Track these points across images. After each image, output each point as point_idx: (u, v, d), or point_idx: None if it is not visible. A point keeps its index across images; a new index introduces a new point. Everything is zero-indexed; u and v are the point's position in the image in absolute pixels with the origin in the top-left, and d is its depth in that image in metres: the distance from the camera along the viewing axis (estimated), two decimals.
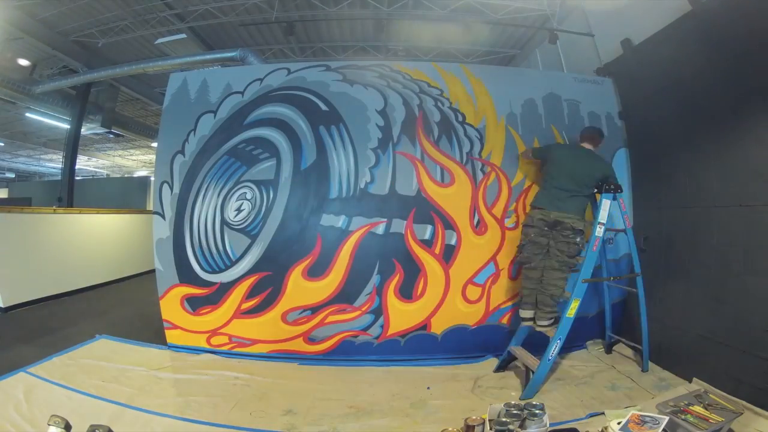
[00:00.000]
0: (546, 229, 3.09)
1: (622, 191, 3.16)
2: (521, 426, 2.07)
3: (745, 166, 2.63)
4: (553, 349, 2.81)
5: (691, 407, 2.09)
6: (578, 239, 3.02)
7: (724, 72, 2.76)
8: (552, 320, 3.01)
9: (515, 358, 3.12)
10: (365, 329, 3.46)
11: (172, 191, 3.55)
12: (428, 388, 2.93)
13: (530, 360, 2.91)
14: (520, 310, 3.19)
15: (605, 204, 3.04)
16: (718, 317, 2.76)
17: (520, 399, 2.72)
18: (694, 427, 1.93)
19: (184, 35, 6.72)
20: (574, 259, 3.03)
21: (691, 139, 3.09)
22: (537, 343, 3.07)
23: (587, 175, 3.12)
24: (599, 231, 2.97)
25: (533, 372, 2.81)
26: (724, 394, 2.36)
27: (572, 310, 2.84)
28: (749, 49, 2.57)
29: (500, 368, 3.22)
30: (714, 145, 2.87)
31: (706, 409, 2.09)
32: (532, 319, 3.12)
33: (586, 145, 3.29)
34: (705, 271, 2.91)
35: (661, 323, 3.25)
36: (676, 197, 3.24)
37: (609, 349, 3.52)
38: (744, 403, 2.26)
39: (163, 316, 3.53)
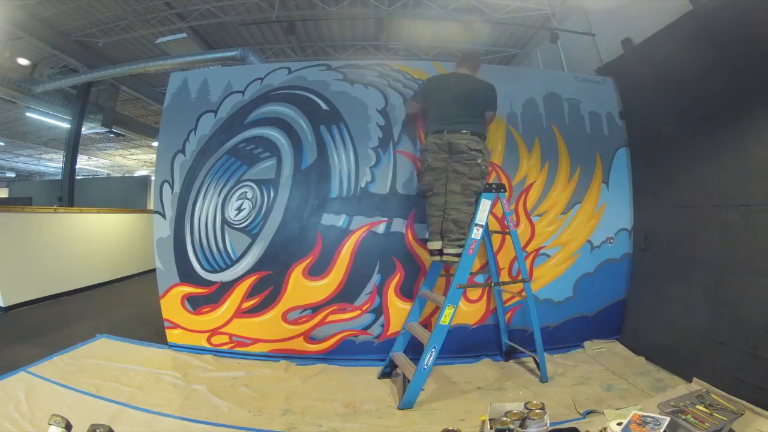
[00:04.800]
0: (442, 153, 2.95)
1: (504, 191, 3.06)
2: (521, 425, 2.07)
3: (746, 166, 2.63)
4: (428, 357, 2.62)
5: (692, 407, 2.09)
6: (479, 160, 2.87)
7: (725, 71, 2.76)
8: (460, 249, 2.83)
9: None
10: (366, 328, 3.46)
11: (172, 190, 3.55)
12: (423, 389, 2.88)
13: (409, 369, 2.74)
14: (428, 242, 3.06)
15: (484, 204, 2.87)
16: (718, 317, 2.76)
17: (397, 408, 2.59)
18: (695, 428, 1.93)
19: (184, 34, 6.73)
20: (477, 181, 2.88)
21: (691, 139, 3.08)
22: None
23: (472, 98, 3.02)
24: (476, 233, 2.80)
25: (409, 381, 2.65)
26: (725, 394, 2.36)
27: (446, 317, 2.67)
28: (750, 48, 2.56)
29: (384, 375, 3.06)
30: (714, 145, 2.87)
31: (708, 409, 2.08)
32: (440, 250, 2.96)
33: (463, 71, 3.19)
34: (705, 271, 2.91)
35: (661, 323, 3.25)
36: (676, 197, 3.24)
37: (507, 357, 3.37)
38: (744, 403, 2.26)
39: (164, 316, 3.53)
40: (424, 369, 2.64)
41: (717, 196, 2.85)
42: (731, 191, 2.74)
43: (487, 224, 2.94)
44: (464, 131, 2.91)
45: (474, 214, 2.88)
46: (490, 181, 3.04)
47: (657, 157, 3.45)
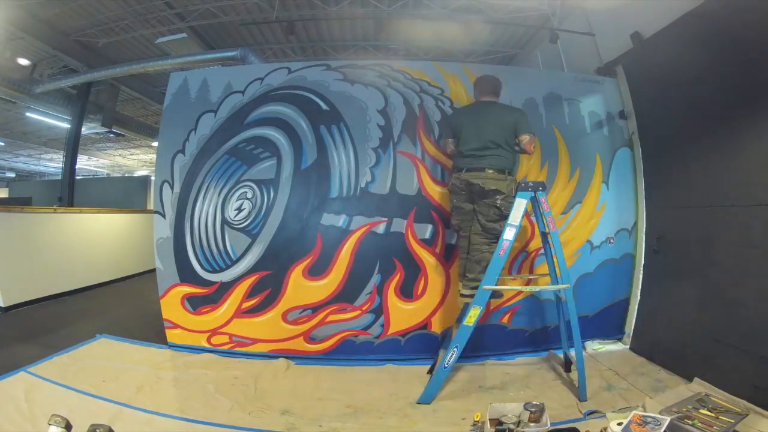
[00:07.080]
0: (463, 193, 2.94)
1: (544, 189, 2.79)
2: (521, 426, 2.07)
3: (764, 164, 2.49)
4: (450, 356, 2.70)
5: (695, 412, 2.08)
6: (498, 201, 2.80)
7: (737, 66, 2.64)
8: (473, 291, 2.76)
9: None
10: (366, 328, 3.46)
11: (172, 190, 3.54)
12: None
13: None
14: (459, 284, 3.05)
15: (519, 203, 2.72)
16: (733, 320, 2.64)
17: (417, 402, 2.66)
18: (698, 430, 1.93)
19: (184, 34, 6.72)
20: (495, 224, 2.82)
21: (706, 136, 2.94)
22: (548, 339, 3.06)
23: (496, 129, 2.88)
24: (509, 233, 2.67)
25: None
26: (726, 394, 2.35)
27: (471, 318, 2.68)
28: (761, 42, 2.45)
29: (432, 371, 3.05)
30: (730, 142, 2.74)
31: (712, 412, 2.07)
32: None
33: (488, 98, 3.07)
34: (720, 272, 2.78)
35: (664, 324, 3.23)
36: (691, 196, 3.11)
37: (568, 367, 3.11)
38: (746, 403, 2.25)
39: (164, 316, 3.53)
40: (445, 367, 2.73)
41: (734, 195, 2.71)
42: (750, 190, 2.59)
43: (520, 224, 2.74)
44: (485, 169, 2.84)
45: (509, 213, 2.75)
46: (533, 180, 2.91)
47: (669, 156, 3.31)
